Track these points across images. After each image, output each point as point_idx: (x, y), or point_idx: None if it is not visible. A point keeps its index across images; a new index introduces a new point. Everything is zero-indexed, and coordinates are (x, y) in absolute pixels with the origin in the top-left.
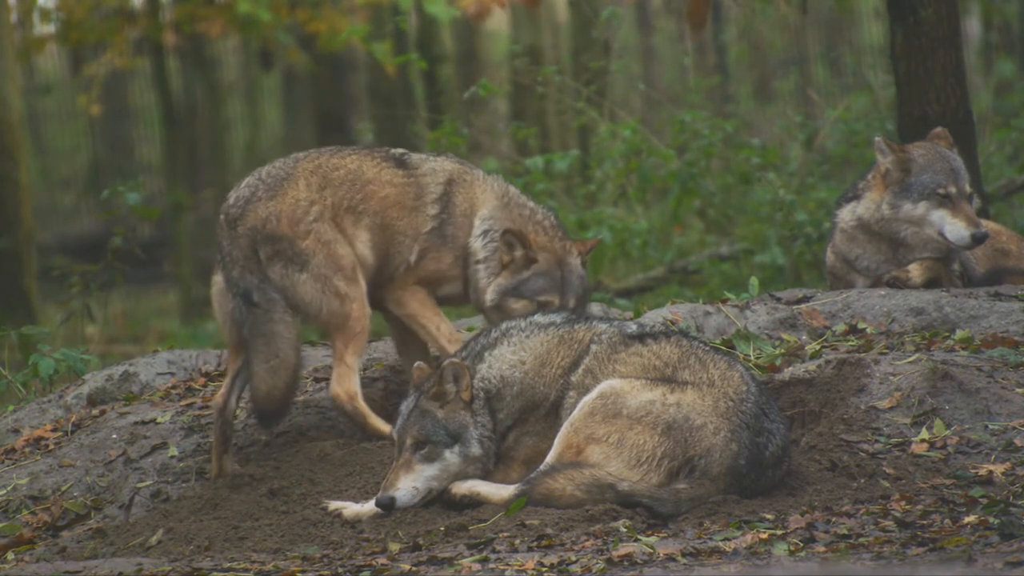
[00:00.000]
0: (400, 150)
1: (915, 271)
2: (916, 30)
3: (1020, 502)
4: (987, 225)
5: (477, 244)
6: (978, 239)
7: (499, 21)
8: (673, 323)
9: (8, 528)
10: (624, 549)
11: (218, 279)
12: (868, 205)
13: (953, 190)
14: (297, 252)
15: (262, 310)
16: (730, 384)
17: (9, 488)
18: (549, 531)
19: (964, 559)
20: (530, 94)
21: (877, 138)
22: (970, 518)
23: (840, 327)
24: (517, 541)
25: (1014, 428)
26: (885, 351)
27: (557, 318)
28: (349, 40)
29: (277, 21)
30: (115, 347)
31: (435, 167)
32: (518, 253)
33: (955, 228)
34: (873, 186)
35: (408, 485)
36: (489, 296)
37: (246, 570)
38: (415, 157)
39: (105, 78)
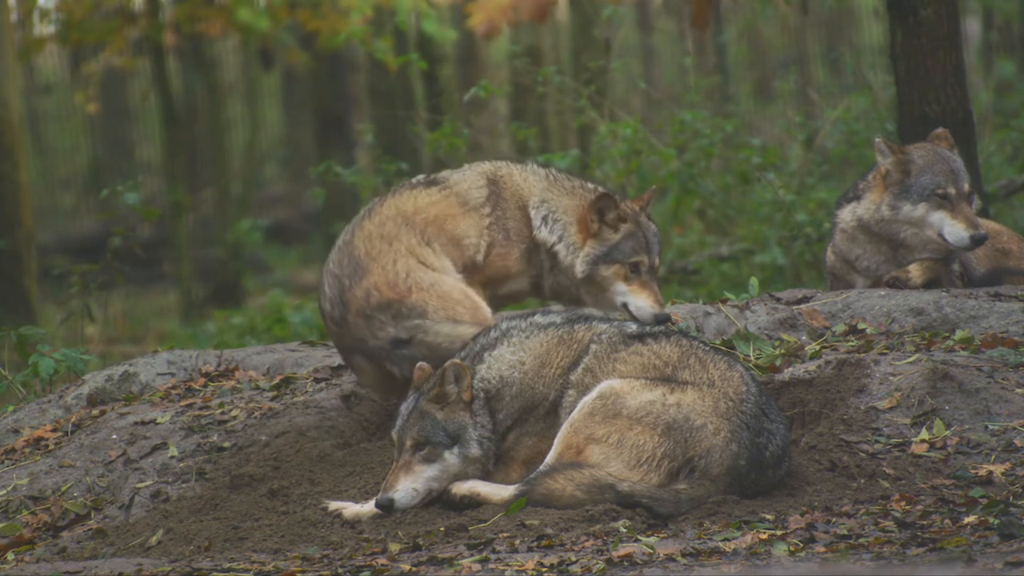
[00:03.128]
0: (420, 176)
1: (915, 271)
2: (916, 30)
3: (1020, 502)
4: (988, 225)
5: (544, 233)
6: (977, 241)
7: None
8: (673, 323)
9: (8, 528)
10: (624, 549)
11: (363, 375)
12: (868, 206)
13: (952, 191)
14: (411, 307)
15: (421, 332)
16: (730, 384)
17: (9, 488)
18: (549, 531)
19: (964, 559)
20: (530, 94)
21: (877, 139)
22: (970, 518)
23: (840, 327)
24: (517, 541)
25: (1014, 428)
26: (885, 351)
27: (557, 318)
28: (349, 40)
29: (276, 24)
30: (115, 347)
31: (466, 175)
32: (610, 217)
33: (954, 230)
34: (873, 187)
35: (408, 486)
36: (579, 269)
37: (246, 570)
38: (441, 174)
39: (104, 78)
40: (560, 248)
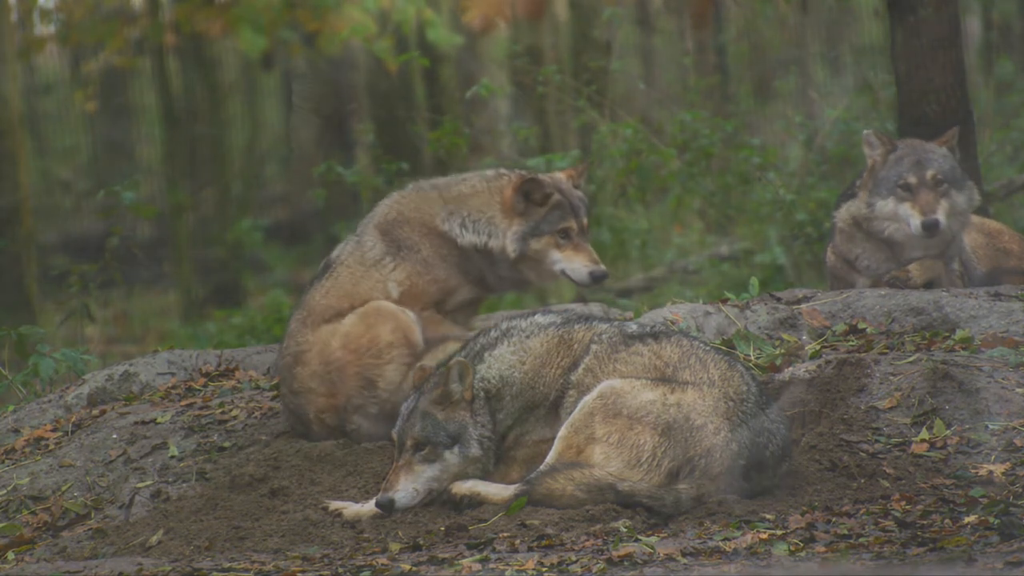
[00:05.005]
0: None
1: (915, 271)
2: (916, 30)
3: (1020, 502)
4: (988, 225)
5: (469, 237)
6: (927, 227)
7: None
8: (673, 323)
9: (8, 528)
10: (624, 549)
11: None
12: (860, 204)
13: (913, 180)
14: (359, 390)
15: (385, 391)
16: (730, 384)
17: (9, 488)
18: (549, 531)
19: (964, 559)
20: (531, 94)
21: (866, 131)
22: (970, 518)
23: (840, 327)
24: (517, 541)
25: (1014, 428)
26: (885, 351)
27: (557, 318)
28: (350, 39)
29: (274, 31)
30: (115, 347)
31: (362, 238)
32: (537, 196)
33: (913, 219)
34: (866, 184)
35: (408, 486)
36: (511, 248)
37: (246, 570)
38: (334, 252)
39: (104, 77)
40: (492, 242)
